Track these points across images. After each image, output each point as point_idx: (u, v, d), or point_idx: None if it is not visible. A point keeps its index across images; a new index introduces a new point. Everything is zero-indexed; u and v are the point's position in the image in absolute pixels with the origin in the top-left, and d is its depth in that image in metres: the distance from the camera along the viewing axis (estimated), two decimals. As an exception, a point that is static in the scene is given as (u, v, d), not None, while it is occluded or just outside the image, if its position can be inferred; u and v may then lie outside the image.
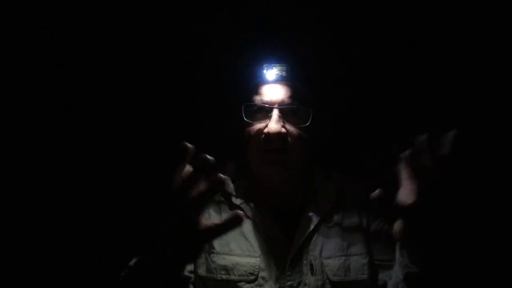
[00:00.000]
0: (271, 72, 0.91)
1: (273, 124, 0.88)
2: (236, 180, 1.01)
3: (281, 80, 0.91)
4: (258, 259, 0.91)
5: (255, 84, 0.93)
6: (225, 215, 0.96)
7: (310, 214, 0.95)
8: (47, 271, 1.11)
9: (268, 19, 1.08)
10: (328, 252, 0.92)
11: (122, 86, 1.17)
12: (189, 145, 0.63)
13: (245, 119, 0.93)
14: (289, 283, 0.89)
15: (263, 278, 0.89)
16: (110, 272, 0.81)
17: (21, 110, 1.15)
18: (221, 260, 0.91)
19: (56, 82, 1.16)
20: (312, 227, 0.94)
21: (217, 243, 0.93)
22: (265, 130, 0.90)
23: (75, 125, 1.17)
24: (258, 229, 0.94)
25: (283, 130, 0.89)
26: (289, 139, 0.90)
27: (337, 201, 0.98)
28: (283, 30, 1.06)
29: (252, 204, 0.97)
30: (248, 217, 0.96)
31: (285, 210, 0.97)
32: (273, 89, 0.92)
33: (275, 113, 0.89)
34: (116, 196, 1.16)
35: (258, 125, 0.92)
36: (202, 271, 0.92)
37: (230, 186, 1.00)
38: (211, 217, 0.97)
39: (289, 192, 0.99)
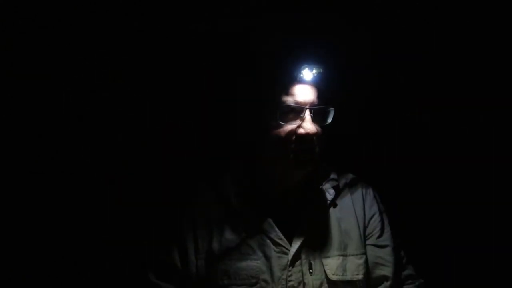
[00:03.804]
0: (309, 73, 0.89)
1: (309, 125, 0.88)
2: (237, 182, 0.98)
3: (313, 81, 0.91)
4: (259, 261, 0.91)
5: (284, 85, 0.91)
6: (226, 218, 0.95)
7: (310, 214, 0.97)
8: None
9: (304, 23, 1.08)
10: (327, 252, 0.94)
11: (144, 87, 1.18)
12: None
13: (279, 121, 0.89)
14: (290, 283, 0.90)
15: (264, 280, 0.90)
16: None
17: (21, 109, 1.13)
18: (221, 265, 0.91)
19: (58, 84, 1.15)
20: (311, 226, 0.95)
21: (216, 248, 0.92)
22: (299, 131, 0.89)
23: (83, 129, 1.18)
24: (258, 231, 0.93)
25: (317, 130, 0.90)
26: (314, 138, 0.91)
27: (336, 200, 1.00)
28: (318, 32, 1.07)
29: (252, 206, 0.95)
30: (247, 220, 0.94)
31: (285, 211, 0.97)
32: (304, 89, 0.91)
33: (308, 113, 0.89)
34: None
35: (290, 126, 0.90)
36: (203, 275, 0.91)
37: (231, 189, 0.97)
38: (211, 219, 0.95)
39: (295, 191, 0.98)
